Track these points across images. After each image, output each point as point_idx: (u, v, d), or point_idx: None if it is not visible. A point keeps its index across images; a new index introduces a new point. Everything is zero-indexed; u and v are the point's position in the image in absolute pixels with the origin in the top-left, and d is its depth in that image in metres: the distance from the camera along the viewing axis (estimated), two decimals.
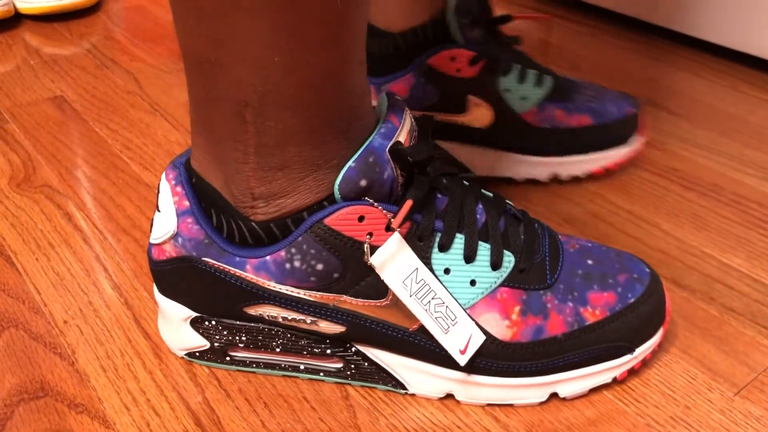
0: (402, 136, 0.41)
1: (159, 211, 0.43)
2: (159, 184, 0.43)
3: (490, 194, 0.46)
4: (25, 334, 0.49)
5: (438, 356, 0.43)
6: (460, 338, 0.42)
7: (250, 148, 0.38)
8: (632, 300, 0.45)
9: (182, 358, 0.47)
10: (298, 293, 0.41)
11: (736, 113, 0.80)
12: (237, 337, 0.44)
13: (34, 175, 0.66)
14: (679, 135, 0.75)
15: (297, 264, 0.40)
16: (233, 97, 0.37)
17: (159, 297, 0.45)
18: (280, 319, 0.43)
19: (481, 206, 0.44)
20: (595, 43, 0.96)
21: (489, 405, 0.45)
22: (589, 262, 0.46)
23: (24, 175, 0.66)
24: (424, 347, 0.43)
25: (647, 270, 0.47)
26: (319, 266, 0.40)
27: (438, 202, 0.43)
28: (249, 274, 0.41)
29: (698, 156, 0.72)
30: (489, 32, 0.61)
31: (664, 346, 0.49)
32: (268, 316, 0.43)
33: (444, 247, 0.42)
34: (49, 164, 0.67)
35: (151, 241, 0.44)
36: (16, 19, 0.97)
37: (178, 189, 0.41)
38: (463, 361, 0.42)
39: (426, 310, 0.41)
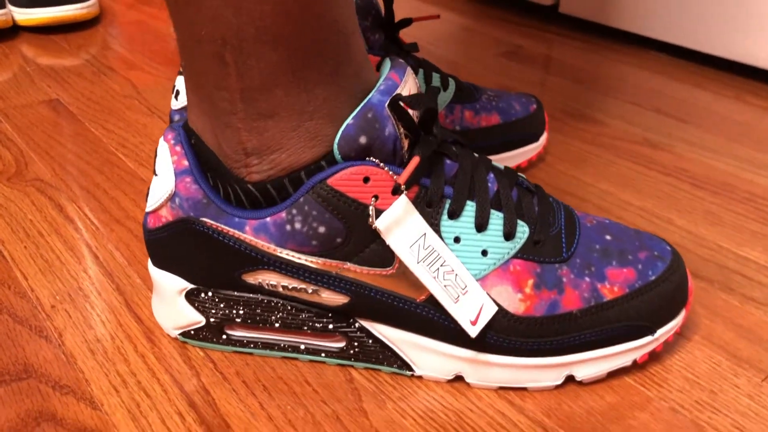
0: (403, 93, 0.39)
1: (156, 175, 0.41)
2: (157, 148, 0.41)
3: (501, 166, 0.44)
4: (8, 317, 0.47)
5: (447, 331, 0.40)
6: (471, 308, 0.39)
7: (236, 93, 0.37)
8: (653, 278, 0.43)
9: (176, 339, 0.45)
10: (300, 258, 0.39)
11: (743, 120, 0.78)
12: (234, 311, 0.42)
13: (25, 169, 0.64)
14: (687, 140, 0.74)
15: (298, 226, 0.38)
16: (211, 35, 0.35)
17: (153, 270, 0.43)
18: (280, 289, 0.40)
19: (492, 175, 0.42)
20: (596, 57, 0.96)
21: (501, 388, 0.42)
22: (608, 237, 0.44)
23: (15, 170, 0.64)
24: (432, 320, 0.40)
25: (668, 248, 0.45)
26: (321, 229, 0.38)
27: (447, 168, 0.41)
28: (248, 236, 0.39)
29: (708, 158, 0.70)
30: (389, 37, 0.60)
31: (685, 334, 0.47)
32: (267, 285, 0.40)
33: (454, 215, 0.40)
34: (42, 160, 0.65)
35: (147, 209, 0.42)
36: (14, 31, 0.96)
37: (177, 148, 0.40)
38: (474, 332, 0.39)
39: (434, 278, 0.39)
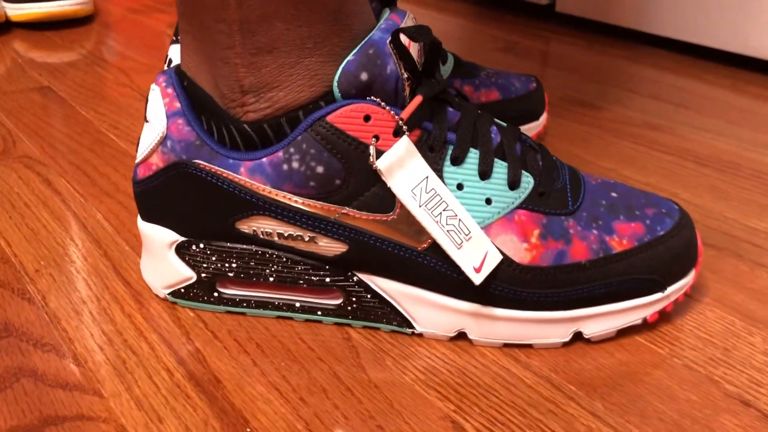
0: (403, 35, 0.38)
1: (147, 121, 0.39)
2: (148, 95, 0.39)
3: (504, 124, 0.43)
4: None
5: (449, 282, 0.38)
6: (475, 254, 0.37)
7: (234, 25, 0.35)
8: (662, 233, 0.41)
9: (166, 301, 0.43)
10: (297, 202, 0.37)
11: (742, 106, 0.77)
12: (227, 264, 0.40)
13: (13, 148, 0.62)
14: (687, 123, 0.73)
15: (295, 165, 0.36)
16: None
17: (142, 225, 0.41)
18: (276, 237, 0.38)
19: (495, 128, 0.41)
20: (592, 52, 0.95)
21: (506, 346, 0.40)
22: (614, 194, 0.43)
23: (2, 148, 0.62)
24: (434, 269, 0.38)
25: (676, 207, 0.43)
26: (320, 169, 0.36)
27: (449, 116, 0.39)
28: (243, 178, 0.37)
29: (710, 139, 0.69)
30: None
31: (695, 296, 0.45)
32: (262, 233, 0.38)
33: (457, 161, 0.38)
34: (30, 140, 0.64)
35: (137, 160, 0.40)
36: (6, 28, 0.95)
37: (169, 90, 0.38)
38: (478, 279, 0.37)
39: (437, 222, 0.37)
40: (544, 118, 0.65)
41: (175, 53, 0.55)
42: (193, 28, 0.37)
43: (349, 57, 0.36)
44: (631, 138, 0.69)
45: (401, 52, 0.37)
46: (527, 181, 0.40)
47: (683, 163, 0.64)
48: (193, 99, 0.39)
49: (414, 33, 0.36)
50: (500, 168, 0.39)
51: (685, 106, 0.77)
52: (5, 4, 0.94)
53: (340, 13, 0.37)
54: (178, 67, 0.40)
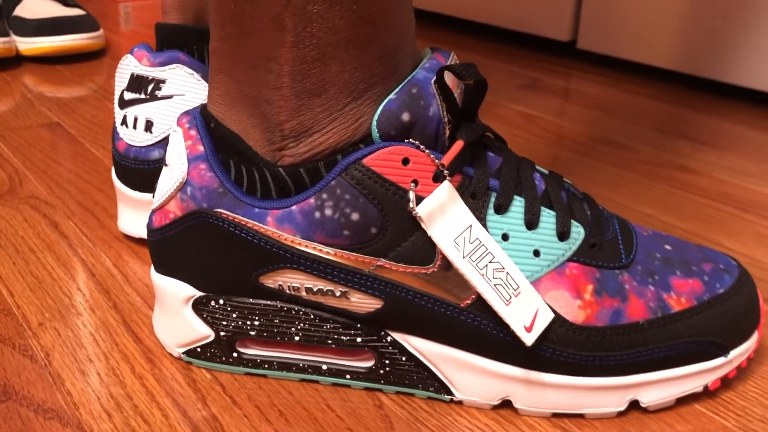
0: (448, 76, 0.35)
1: (166, 165, 0.36)
2: (168, 136, 0.36)
3: (545, 170, 0.40)
4: None
5: (494, 344, 0.35)
6: (525, 312, 0.34)
7: (286, 65, 0.32)
8: (721, 291, 0.38)
9: (180, 360, 0.39)
10: (328, 253, 0.34)
11: None
12: (249, 322, 0.36)
13: (19, 187, 0.59)
14: (725, 165, 0.69)
15: (328, 212, 0.33)
16: None
17: (156, 277, 0.38)
18: (304, 292, 0.35)
19: (538, 175, 0.38)
20: (617, 90, 0.92)
21: (555, 416, 0.37)
22: (667, 247, 0.39)
23: (8, 188, 0.59)
24: (478, 329, 0.35)
25: (734, 263, 0.40)
26: (355, 216, 0.33)
27: (490, 161, 0.36)
28: (270, 228, 0.34)
29: (751, 183, 0.66)
30: None
31: (756, 359, 0.41)
32: (288, 288, 0.35)
33: (501, 209, 0.35)
34: (37, 179, 0.61)
35: (153, 206, 0.37)
36: (17, 61, 0.93)
37: (192, 132, 0.35)
38: (530, 340, 0.34)
39: (482, 276, 0.33)
40: None
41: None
42: (233, 66, 0.34)
43: (391, 96, 0.33)
44: (666, 181, 0.65)
45: (445, 93, 0.34)
46: (577, 232, 0.36)
47: (724, 209, 0.60)
48: (220, 141, 0.35)
49: (461, 71, 0.33)
50: (548, 217, 0.36)
51: (722, 148, 0.74)
52: (16, 38, 0.92)
53: (398, 53, 0.34)
54: (203, 107, 0.37)
